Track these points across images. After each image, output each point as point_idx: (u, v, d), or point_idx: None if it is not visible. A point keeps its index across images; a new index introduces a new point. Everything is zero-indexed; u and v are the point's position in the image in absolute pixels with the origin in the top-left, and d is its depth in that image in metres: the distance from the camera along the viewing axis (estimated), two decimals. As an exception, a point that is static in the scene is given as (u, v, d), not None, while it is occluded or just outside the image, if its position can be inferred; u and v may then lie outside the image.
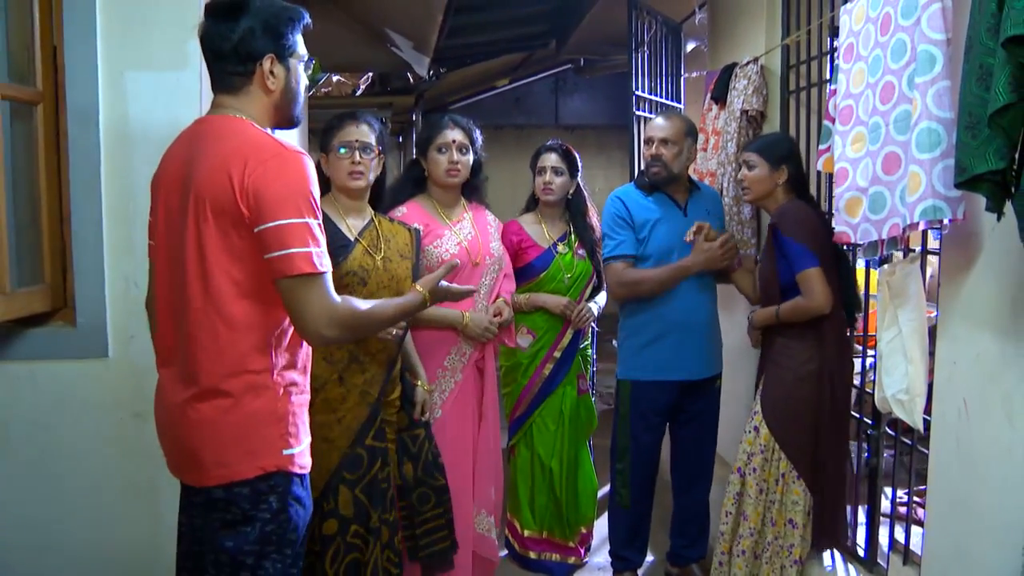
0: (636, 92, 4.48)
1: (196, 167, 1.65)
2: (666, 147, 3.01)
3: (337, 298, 1.66)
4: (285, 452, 1.71)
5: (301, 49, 1.79)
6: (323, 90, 8.03)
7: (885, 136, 2.09)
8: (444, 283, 2.06)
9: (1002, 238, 1.79)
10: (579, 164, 3.36)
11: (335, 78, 8.23)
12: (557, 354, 3.31)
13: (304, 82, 1.81)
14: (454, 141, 2.85)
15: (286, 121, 1.81)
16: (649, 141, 3.06)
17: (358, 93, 8.22)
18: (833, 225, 2.49)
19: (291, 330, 1.72)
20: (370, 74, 8.15)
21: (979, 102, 1.56)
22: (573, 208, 3.37)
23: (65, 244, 2.38)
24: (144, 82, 2.38)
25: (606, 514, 3.40)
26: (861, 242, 2.25)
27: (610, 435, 3.26)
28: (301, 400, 1.78)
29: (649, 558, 3.50)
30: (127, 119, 2.38)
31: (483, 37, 6.79)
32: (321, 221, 1.67)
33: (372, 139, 2.53)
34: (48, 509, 2.39)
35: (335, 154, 2.50)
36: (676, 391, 3.11)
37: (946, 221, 1.91)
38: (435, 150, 2.86)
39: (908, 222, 1.97)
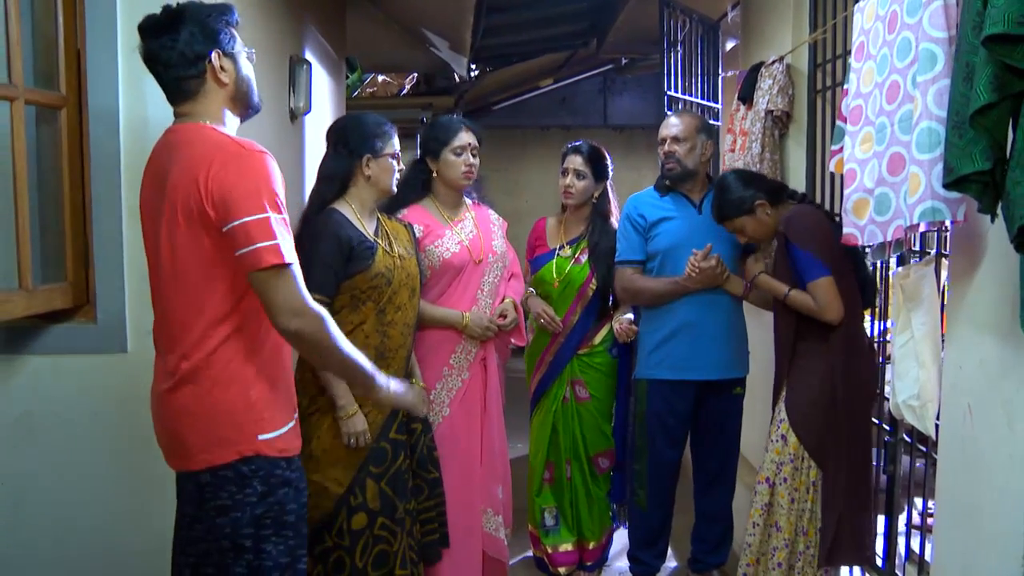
0: (668, 92, 4.40)
1: (169, 175, 1.75)
2: (678, 144, 3.04)
3: (306, 293, 1.73)
4: (261, 437, 1.79)
5: (239, 42, 1.88)
6: (368, 90, 8.13)
7: (891, 136, 2.04)
8: (401, 397, 2.09)
9: (1003, 240, 1.73)
10: (608, 167, 3.28)
11: (380, 78, 8.31)
12: (549, 358, 3.31)
13: (251, 72, 1.90)
14: (469, 144, 2.87)
15: (248, 109, 1.91)
16: (662, 140, 3.09)
17: (403, 93, 8.29)
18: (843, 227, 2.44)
19: (263, 320, 1.78)
20: (415, 74, 8.22)
21: (965, 101, 1.51)
22: (595, 212, 3.30)
23: (87, 243, 2.46)
24: (162, 86, 2.45)
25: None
26: (868, 244, 2.21)
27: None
28: (278, 386, 1.85)
29: (672, 564, 3.47)
30: (146, 122, 2.45)
31: (521, 36, 6.78)
32: (286, 216, 1.74)
33: None
34: (68, 499, 2.49)
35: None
36: (693, 392, 3.08)
37: (947, 223, 1.87)
38: (451, 152, 2.85)
39: (909, 223, 1.92)
